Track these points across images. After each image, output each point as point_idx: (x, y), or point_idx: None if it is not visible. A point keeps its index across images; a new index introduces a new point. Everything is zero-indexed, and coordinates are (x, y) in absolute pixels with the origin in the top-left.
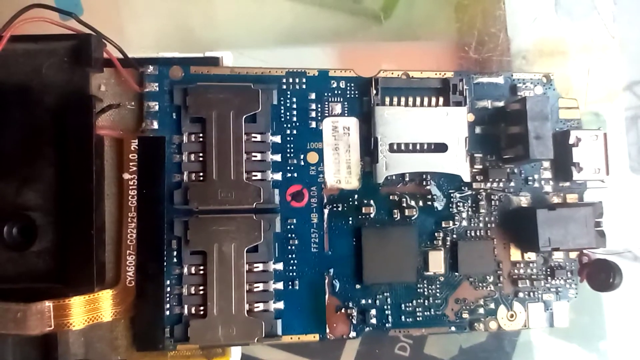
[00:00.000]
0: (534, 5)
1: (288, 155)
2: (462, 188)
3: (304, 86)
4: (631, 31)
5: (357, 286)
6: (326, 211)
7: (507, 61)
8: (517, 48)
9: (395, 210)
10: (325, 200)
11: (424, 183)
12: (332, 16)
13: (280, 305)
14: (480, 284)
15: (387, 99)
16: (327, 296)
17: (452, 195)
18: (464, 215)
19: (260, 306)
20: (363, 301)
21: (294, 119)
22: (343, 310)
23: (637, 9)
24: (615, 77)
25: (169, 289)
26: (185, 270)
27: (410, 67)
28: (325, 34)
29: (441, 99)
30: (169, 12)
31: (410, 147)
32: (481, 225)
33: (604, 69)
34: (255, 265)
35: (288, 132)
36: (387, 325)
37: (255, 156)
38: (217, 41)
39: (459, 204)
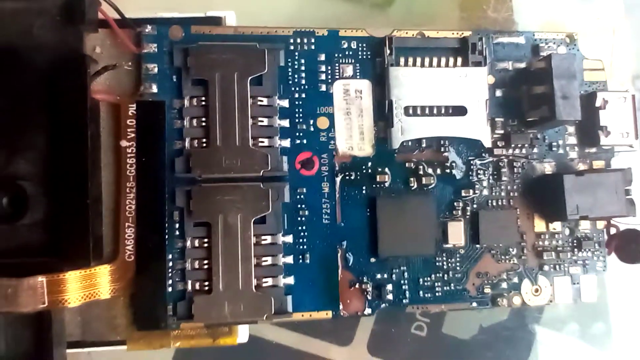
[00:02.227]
0: None
1: (297, 120)
2: (483, 154)
3: (312, 47)
4: None
5: (372, 260)
6: (338, 180)
7: (512, 19)
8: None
9: (412, 179)
10: (337, 168)
11: (442, 149)
12: (333, 4)
13: (290, 280)
14: (502, 257)
15: (402, 60)
16: (340, 270)
17: (472, 162)
18: (485, 183)
19: (269, 281)
20: (378, 276)
21: (303, 81)
22: (357, 286)
23: None
24: (624, 61)
25: (171, 264)
26: (189, 243)
27: None
28: (327, 23)
29: (459, 59)
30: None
31: (427, 111)
32: (503, 194)
33: (614, 52)
34: (263, 237)
35: (296, 95)
36: (404, 301)
37: (262, 121)
38: None
39: (479, 171)
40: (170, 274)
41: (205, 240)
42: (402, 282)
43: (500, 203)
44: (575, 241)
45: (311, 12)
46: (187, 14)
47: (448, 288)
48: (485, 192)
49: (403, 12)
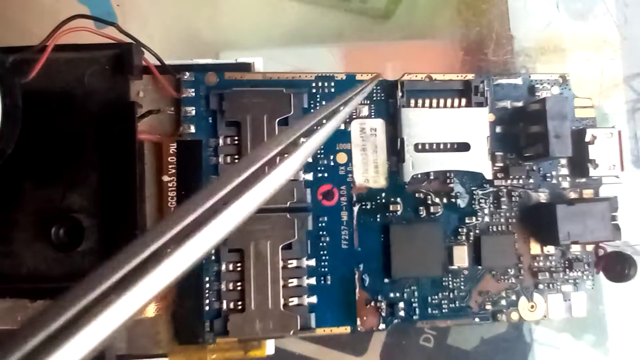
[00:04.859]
0: (537, 3)
1: (318, 156)
2: (484, 185)
3: (332, 90)
4: (631, 26)
5: (386, 280)
6: (355, 209)
7: (511, 61)
8: (520, 45)
9: (421, 208)
10: (354, 199)
11: (448, 181)
12: (336, 17)
13: (314, 299)
14: (502, 277)
15: (412, 101)
16: (357, 290)
17: (474, 192)
18: (486, 211)
19: (294, 300)
20: (391, 295)
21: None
22: (372, 304)
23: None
24: (615, 72)
25: (208, 285)
26: (224, 267)
27: (415, 66)
28: (331, 34)
29: (463, 100)
30: (175, 17)
31: (435, 147)
32: (502, 220)
33: (605, 64)
34: (290, 261)
35: None
36: (414, 317)
37: None
38: (224, 43)
39: (481, 200)
40: (207, 295)
41: (239, 264)
42: (412, 300)
43: (499, 229)
44: (567, 262)
45: (316, 25)
46: (220, 60)
47: (453, 305)
48: (487, 219)
49: (403, 24)
